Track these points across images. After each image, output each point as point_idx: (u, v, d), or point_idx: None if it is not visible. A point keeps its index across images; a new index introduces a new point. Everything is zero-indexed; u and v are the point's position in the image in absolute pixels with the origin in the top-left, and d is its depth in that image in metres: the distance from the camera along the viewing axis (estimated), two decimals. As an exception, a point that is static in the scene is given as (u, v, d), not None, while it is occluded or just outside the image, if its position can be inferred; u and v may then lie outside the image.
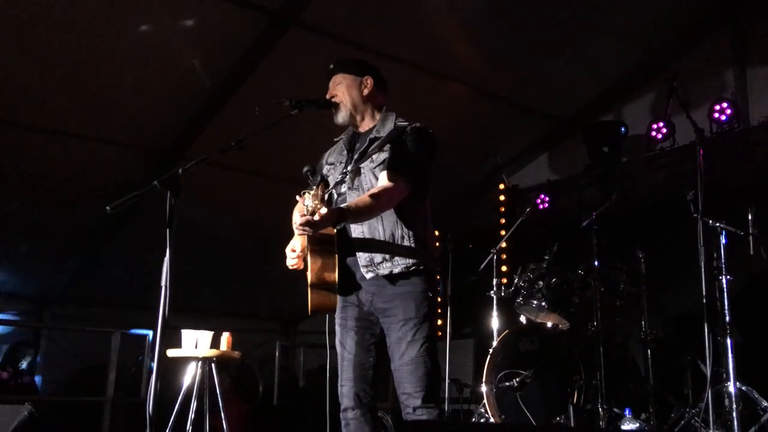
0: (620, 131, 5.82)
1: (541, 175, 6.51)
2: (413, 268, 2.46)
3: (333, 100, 2.61)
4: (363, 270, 2.47)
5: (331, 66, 2.68)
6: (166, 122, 5.26)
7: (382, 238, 2.45)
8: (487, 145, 6.19)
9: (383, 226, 2.46)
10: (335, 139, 2.75)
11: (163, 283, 2.04)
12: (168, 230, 2.04)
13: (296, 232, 2.29)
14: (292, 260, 2.54)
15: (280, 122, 2.41)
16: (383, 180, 2.43)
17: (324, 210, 2.16)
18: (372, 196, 2.37)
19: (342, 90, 2.62)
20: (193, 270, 6.15)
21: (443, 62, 5.19)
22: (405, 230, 2.46)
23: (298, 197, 2.21)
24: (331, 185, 2.57)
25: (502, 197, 6.54)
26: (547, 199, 6.12)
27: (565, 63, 5.32)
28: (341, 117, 2.62)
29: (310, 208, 2.16)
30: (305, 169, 2.24)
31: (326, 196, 2.34)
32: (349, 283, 2.49)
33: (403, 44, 4.91)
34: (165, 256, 2.04)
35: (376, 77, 2.67)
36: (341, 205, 2.34)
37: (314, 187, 2.17)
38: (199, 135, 5.33)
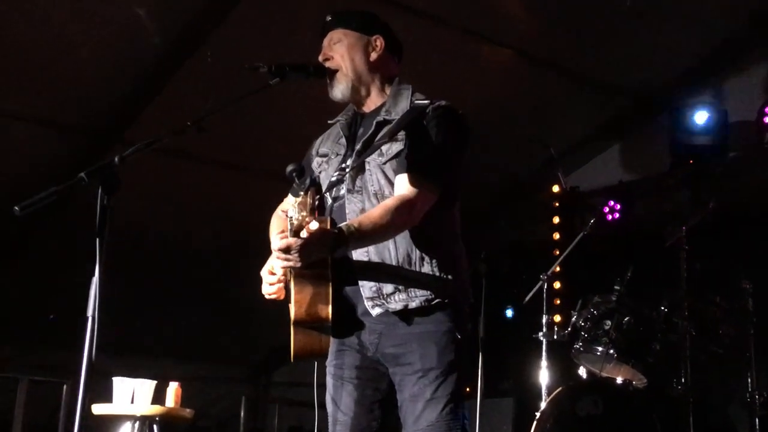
0: (720, 116, 5.84)
1: (610, 173, 6.52)
2: (436, 301, 2.49)
3: (327, 64, 2.63)
4: (367, 303, 2.50)
5: (328, 18, 2.71)
6: (98, 92, 5.27)
7: (393, 262, 2.47)
8: (536, 130, 6.20)
9: (396, 245, 2.48)
10: (329, 122, 2.78)
11: (89, 312, 2.02)
12: (98, 240, 2.04)
13: (274, 255, 2.31)
14: (269, 288, 2.56)
15: (253, 94, 2.42)
16: (402, 186, 2.45)
17: (314, 225, 2.14)
18: (387, 210, 2.39)
19: (341, 51, 2.64)
20: (133, 295, 6.15)
21: (479, 16, 5.24)
22: (425, 250, 2.49)
23: (281, 210, 2.25)
24: (324, 187, 2.59)
25: (556, 203, 6.56)
26: (618, 206, 6.14)
27: (647, 20, 5.36)
28: (339, 90, 2.64)
29: (294, 223, 2.15)
30: (289, 168, 2.22)
31: (317, 204, 2.36)
32: (348, 320, 2.52)
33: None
34: (93, 275, 2.03)
35: (388, 37, 2.70)
36: (342, 225, 2.34)
37: (302, 193, 2.16)
38: (143, 111, 5.35)
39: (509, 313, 6.83)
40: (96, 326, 2.01)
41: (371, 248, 2.47)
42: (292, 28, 4.75)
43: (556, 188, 6.55)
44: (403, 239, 2.47)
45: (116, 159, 2.14)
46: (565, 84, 5.87)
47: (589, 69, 5.84)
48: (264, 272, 2.56)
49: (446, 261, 2.51)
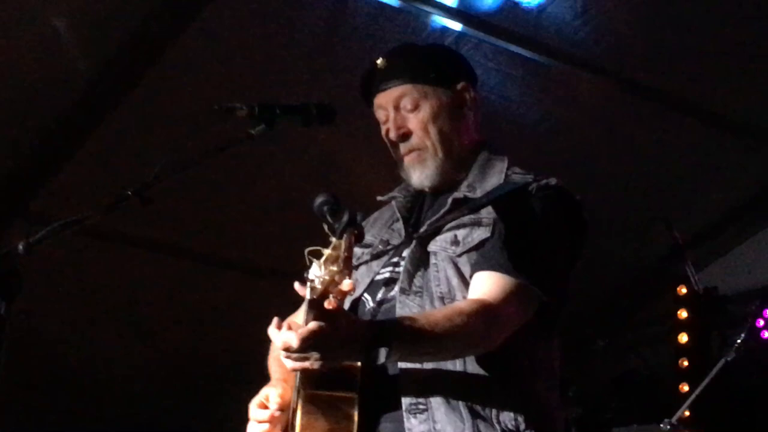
0: None
1: (765, 267, 6.49)
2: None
3: (405, 147, 2.73)
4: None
5: (383, 65, 2.77)
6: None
7: (458, 389, 2.49)
8: (652, 205, 6.21)
9: (465, 363, 2.51)
10: (380, 198, 2.90)
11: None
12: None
13: (282, 366, 2.38)
14: (257, 428, 2.58)
15: (224, 151, 2.49)
16: (482, 286, 2.51)
17: (347, 285, 2.16)
18: (456, 313, 2.42)
19: (424, 122, 2.71)
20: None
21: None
22: (509, 375, 2.54)
23: (297, 286, 2.27)
24: (363, 286, 2.65)
25: (683, 313, 6.40)
26: (781, 318, 6.09)
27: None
28: (425, 177, 2.73)
29: (318, 287, 2.17)
30: (320, 199, 2.28)
31: (352, 266, 2.33)
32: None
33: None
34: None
35: (474, 81, 2.83)
36: (388, 319, 2.42)
37: (334, 239, 2.17)
38: (57, 172, 5.41)
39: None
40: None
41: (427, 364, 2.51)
42: (275, 52, 4.87)
43: (682, 290, 6.40)
44: (478, 368, 2.50)
45: (20, 247, 2.20)
46: (696, 131, 5.94)
47: (732, 111, 5.91)
48: (253, 405, 2.59)
49: (534, 412, 2.53)
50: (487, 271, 2.48)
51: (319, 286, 2.15)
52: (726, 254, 6.73)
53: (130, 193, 2.34)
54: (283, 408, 2.54)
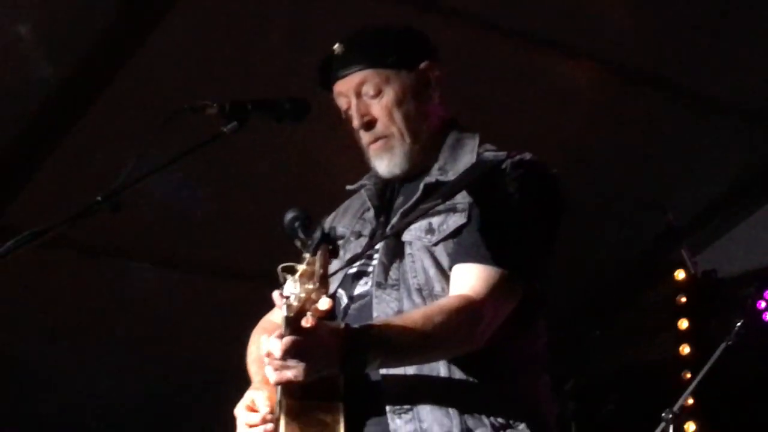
0: None
1: (764, 248, 6.45)
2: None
3: (370, 134, 2.71)
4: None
5: (340, 50, 2.74)
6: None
7: (443, 390, 2.51)
8: (646, 187, 6.21)
9: (447, 365, 2.52)
10: (348, 188, 2.90)
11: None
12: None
13: (262, 368, 2.39)
14: (250, 431, 2.57)
15: (198, 150, 2.47)
16: (464, 281, 2.50)
17: (325, 303, 2.18)
18: (439, 312, 2.42)
19: (388, 108, 2.70)
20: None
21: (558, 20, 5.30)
22: (494, 370, 2.54)
23: (276, 296, 2.28)
24: (336, 282, 2.64)
25: (682, 298, 6.41)
26: (782, 300, 6.11)
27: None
28: (394, 165, 2.72)
29: (294, 305, 2.18)
30: (290, 215, 2.26)
31: (329, 281, 2.35)
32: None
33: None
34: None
35: (436, 58, 2.80)
36: (360, 325, 2.37)
37: (307, 255, 2.18)
38: (26, 182, 5.38)
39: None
40: None
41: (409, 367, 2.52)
42: (251, 43, 4.87)
43: (680, 275, 6.42)
44: (461, 359, 2.51)
45: None
46: (693, 111, 5.95)
47: (728, 90, 5.89)
48: (240, 409, 2.59)
49: (523, 405, 2.55)
50: (467, 264, 2.47)
51: (295, 303, 2.16)
52: (722, 237, 6.74)
53: (99, 199, 2.33)
54: (272, 410, 2.52)
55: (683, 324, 6.35)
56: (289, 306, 2.19)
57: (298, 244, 2.25)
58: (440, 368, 2.51)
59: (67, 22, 4.81)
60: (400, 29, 2.81)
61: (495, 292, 2.45)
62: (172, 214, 5.57)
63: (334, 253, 2.31)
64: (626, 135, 6.00)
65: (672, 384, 5.86)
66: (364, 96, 2.70)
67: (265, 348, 2.28)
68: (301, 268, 2.16)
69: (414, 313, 2.43)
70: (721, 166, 6.43)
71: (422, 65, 2.72)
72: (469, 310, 2.42)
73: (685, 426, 5.89)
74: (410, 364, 2.47)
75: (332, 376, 2.37)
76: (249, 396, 2.59)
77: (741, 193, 6.60)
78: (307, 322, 2.14)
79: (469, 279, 2.46)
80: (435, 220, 2.57)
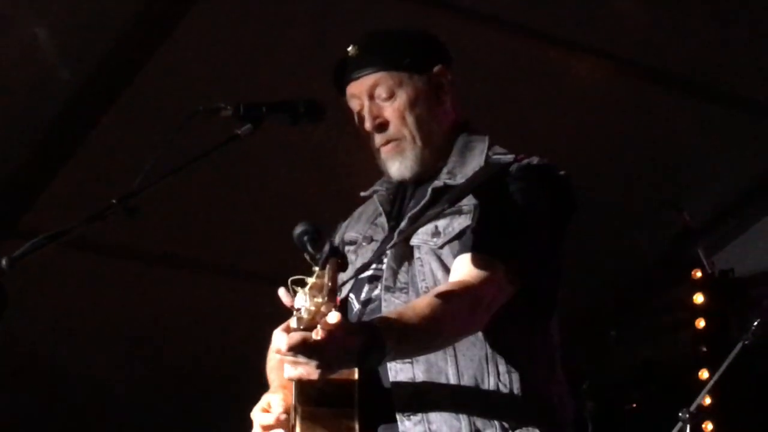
0: None
1: None
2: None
3: (381, 137, 2.72)
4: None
5: (354, 52, 2.75)
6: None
7: (452, 394, 2.51)
8: (662, 185, 6.21)
9: (457, 365, 2.53)
10: (362, 194, 2.91)
11: None
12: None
13: (280, 375, 2.40)
14: None
15: (213, 153, 2.48)
16: (462, 269, 2.51)
17: (334, 317, 2.13)
18: (440, 298, 2.40)
19: (401, 111, 2.70)
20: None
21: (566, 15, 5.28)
22: (504, 371, 2.53)
23: (281, 293, 2.29)
24: (348, 287, 2.66)
25: (699, 298, 6.34)
26: (801, 298, 6.04)
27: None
28: (405, 168, 2.73)
29: (305, 317, 2.15)
30: (299, 229, 2.27)
31: (341, 292, 2.40)
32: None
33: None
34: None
35: (449, 61, 2.81)
36: (373, 319, 2.39)
37: (317, 269, 2.18)
38: (47, 185, 5.41)
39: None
40: None
41: (419, 368, 2.52)
42: (270, 44, 4.87)
43: (697, 274, 6.35)
44: (471, 355, 2.52)
45: (3, 262, 2.21)
46: (706, 110, 5.91)
47: (746, 89, 5.88)
48: (256, 412, 2.58)
49: (535, 406, 2.54)
50: (465, 254, 2.48)
51: (305, 316, 2.13)
52: (739, 236, 6.71)
53: (114, 202, 2.33)
54: (287, 411, 2.52)
55: (700, 323, 6.28)
56: (299, 319, 2.19)
57: (308, 257, 2.27)
58: (449, 371, 2.52)
59: (85, 25, 4.83)
60: (415, 32, 2.83)
61: (491, 276, 2.46)
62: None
63: (343, 267, 2.32)
64: (643, 134, 5.97)
65: (689, 383, 5.84)
66: (377, 98, 2.70)
67: (278, 342, 2.26)
68: (310, 281, 2.17)
69: (417, 302, 2.44)
70: (738, 165, 6.39)
71: (435, 69, 2.73)
72: (466, 294, 2.43)
73: (703, 425, 5.82)
74: (416, 354, 2.48)
75: (346, 382, 2.37)
76: (265, 399, 2.61)
77: (758, 192, 6.55)
78: (317, 335, 2.14)
79: (466, 266, 2.47)
80: (441, 223, 2.58)
